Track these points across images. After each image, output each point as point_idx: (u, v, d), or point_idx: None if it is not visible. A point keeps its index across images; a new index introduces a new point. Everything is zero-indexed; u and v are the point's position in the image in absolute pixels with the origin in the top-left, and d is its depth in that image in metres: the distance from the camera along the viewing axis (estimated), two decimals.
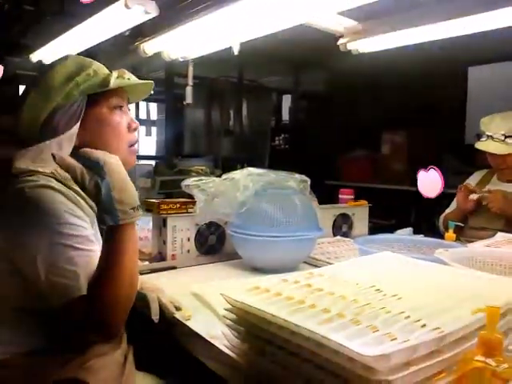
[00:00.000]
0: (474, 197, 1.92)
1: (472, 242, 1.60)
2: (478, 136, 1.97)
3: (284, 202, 1.39)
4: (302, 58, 4.34)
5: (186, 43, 1.95)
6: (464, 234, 1.95)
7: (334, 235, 1.84)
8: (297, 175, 1.46)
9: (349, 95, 4.61)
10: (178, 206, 1.56)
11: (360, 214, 1.94)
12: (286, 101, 5.55)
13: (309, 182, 1.46)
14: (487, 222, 1.89)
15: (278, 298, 0.79)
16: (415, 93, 4.06)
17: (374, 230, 2.01)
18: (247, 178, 1.41)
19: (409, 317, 0.70)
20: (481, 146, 1.93)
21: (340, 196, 1.99)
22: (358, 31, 1.85)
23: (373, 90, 4.37)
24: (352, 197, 1.98)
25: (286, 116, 5.54)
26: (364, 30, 1.86)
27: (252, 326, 0.79)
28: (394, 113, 4.14)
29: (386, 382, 0.59)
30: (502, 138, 1.87)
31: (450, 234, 1.55)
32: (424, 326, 0.67)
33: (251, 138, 4.82)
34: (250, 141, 4.80)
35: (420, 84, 4.02)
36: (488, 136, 1.91)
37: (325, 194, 2.10)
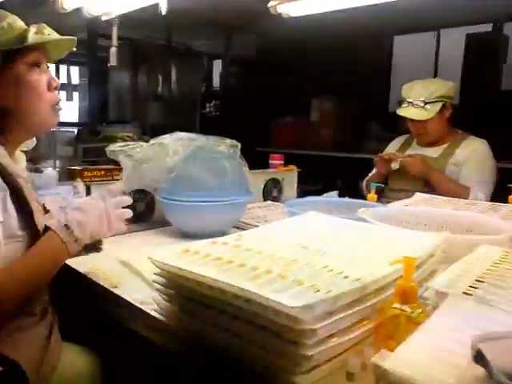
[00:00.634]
0: (395, 166, 2.02)
1: (392, 202, 1.69)
2: (400, 102, 2.06)
3: (214, 167, 1.38)
4: (233, 22, 4.25)
5: None
6: (385, 196, 2.06)
7: (265, 200, 1.87)
8: (227, 140, 1.45)
9: (279, 61, 4.61)
10: (103, 172, 1.49)
11: (289, 179, 1.98)
12: (217, 66, 5.44)
13: (239, 147, 1.46)
14: (407, 184, 2.01)
15: (207, 259, 0.80)
16: (343, 60, 4.15)
17: (302, 194, 2.06)
18: (177, 142, 1.38)
19: (332, 270, 0.73)
20: (402, 112, 2.03)
21: (270, 161, 2.02)
22: None
23: (303, 57, 4.41)
24: (282, 162, 2.02)
25: (216, 82, 5.45)
26: None
27: (182, 288, 0.79)
28: (323, 79, 4.22)
29: (311, 331, 0.62)
30: (422, 104, 1.97)
31: (372, 194, 1.63)
32: (346, 277, 0.71)
33: (181, 104, 4.69)
34: (180, 107, 4.67)
35: (348, 51, 4.11)
36: (409, 102, 2.00)
37: (256, 161, 2.12)
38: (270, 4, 1.84)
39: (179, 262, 0.77)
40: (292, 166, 2.00)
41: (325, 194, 1.97)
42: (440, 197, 1.58)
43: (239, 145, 1.45)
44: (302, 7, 1.89)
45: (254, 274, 0.72)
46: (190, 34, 4.69)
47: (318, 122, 4.34)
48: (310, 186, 3.33)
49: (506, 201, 1.53)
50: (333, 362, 0.69)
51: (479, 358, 0.49)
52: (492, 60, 3.83)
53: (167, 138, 1.41)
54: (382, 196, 2.04)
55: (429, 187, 1.94)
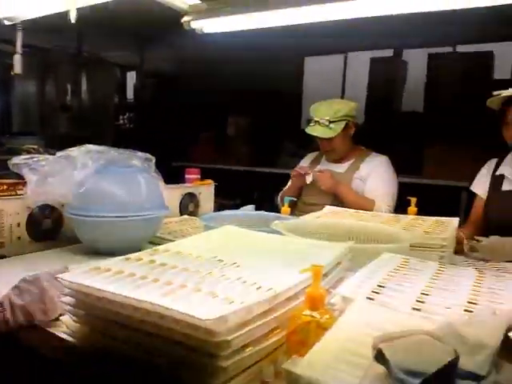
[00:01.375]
0: (309, 180, 2.12)
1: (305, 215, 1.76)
2: (308, 121, 2.18)
3: (127, 181, 1.34)
4: (149, 34, 4.19)
5: (10, 1, 1.72)
6: (299, 209, 2.15)
7: (181, 214, 1.85)
8: (140, 153, 1.42)
9: (197, 76, 4.63)
10: (5, 187, 1.38)
11: (206, 194, 1.99)
12: (132, 78, 5.33)
13: (153, 161, 1.43)
14: (318, 198, 2.11)
15: (119, 276, 0.78)
16: (258, 78, 4.27)
17: (220, 208, 2.07)
18: (86, 155, 1.33)
19: (246, 281, 0.75)
20: (310, 130, 2.14)
21: (186, 176, 2.01)
22: (202, 10, 1.87)
23: (220, 73, 4.47)
24: (198, 176, 2.02)
25: (131, 94, 5.32)
26: (208, 10, 1.88)
27: (91, 308, 0.76)
28: (240, 96, 4.30)
29: (225, 343, 0.62)
30: (327, 123, 2.09)
31: (286, 208, 1.69)
32: (259, 288, 0.73)
33: (92, 115, 4.50)
34: (91, 118, 4.47)
35: (263, 70, 4.24)
36: (315, 121, 2.12)
37: (172, 175, 2.10)
38: (184, 19, 1.86)
39: (89, 281, 0.74)
40: (209, 181, 2.01)
41: (242, 208, 2.00)
42: (348, 209, 1.68)
43: (153, 158, 1.43)
44: (216, 24, 1.92)
45: (168, 288, 0.71)
46: (102, 44, 4.54)
47: (234, 138, 4.41)
48: (228, 200, 3.36)
49: (406, 212, 1.67)
50: (248, 372, 0.70)
51: (380, 357, 0.53)
52: (393, 83, 4.17)
53: (75, 151, 1.35)
54: (296, 209, 2.12)
55: (337, 201, 2.05)
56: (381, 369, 0.53)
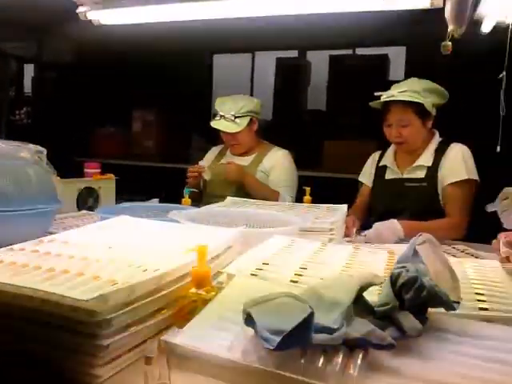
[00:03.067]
0: (207, 176, 2.16)
1: None
2: (214, 116, 2.22)
3: (15, 174, 1.27)
4: (46, 25, 3.97)
5: None
6: (204, 202, 2.17)
7: (80, 209, 1.79)
8: (31, 145, 1.36)
9: (100, 69, 4.46)
10: None
11: (107, 188, 1.94)
12: (29, 71, 4.98)
13: (45, 153, 1.38)
14: (221, 189, 2.15)
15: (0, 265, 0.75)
16: (165, 73, 4.23)
17: None
18: None
19: (132, 265, 0.76)
20: (215, 124, 2.19)
21: (86, 170, 1.95)
22: (98, 1, 1.82)
23: (124, 66, 4.35)
24: (98, 170, 1.97)
25: (28, 88, 4.98)
26: (105, 1, 1.83)
27: None
28: (146, 91, 4.23)
29: (106, 322, 0.64)
30: (232, 118, 2.15)
31: (186, 199, 1.72)
32: (145, 270, 0.75)
33: None
34: None
35: (170, 65, 4.21)
36: (221, 116, 2.17)
37: (75, 171, 2.02)
38: (79, 10, 1.80)
39: None
40: (109, 175, 1.97)
41: (146, 202, 1.98)
42: (248, 199, 1.75)
43: (45, 151, 1.37)
44: (112, 16, 1.88)
45: (49, 274, 0.71)
46: None
47: (140, 133, 4.32)
48: (135, 196, 3.29)
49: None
50: (134, 352, 0.72)
51: (248, 320, 0.58)
52: (298, 82, 4.36)
53: None
54: (201, 202, 2.15)
55: (242, 192, 2.11)
56: (251, 331, 0.58)
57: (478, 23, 1.67)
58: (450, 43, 1.45)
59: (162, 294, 0.74)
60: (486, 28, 1.60)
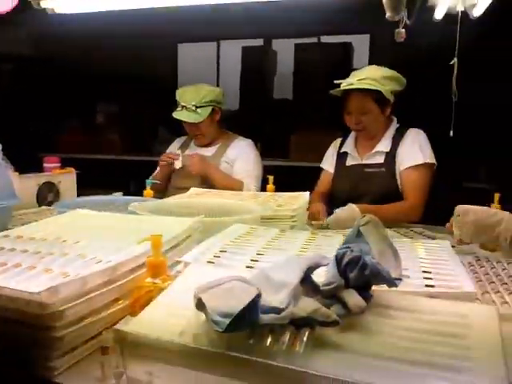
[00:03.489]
0: (178, 165, 2.15)
1: None
2: (175, 106, 2.20)
3: None
4: None
5: None
6: (168, 194, 2.16)
7: (40, 205, 1.76)
8: None
9: (60, 60, 4.32)
10: None
11: (67, 183, 1.91)
12: None
13: (0, 148, 1.35)
14: (186, 181, 2.14)
15: None
16: (128, 64, 4.15)
17: None
18: None
19: (86, 257, 0.76)
20: (177, 115, 2.17)
21: (45, 165, 1.91)
22: None
23: (85, 57, 4.24)
24: (58, 165, 1.93)
25: None
26: None
27: None
28: (110, 82, 4.14)
29: (58, 313, 0.64)
30: (194, 108, 2.13)
31: (148, 191, 1.72)
32: (99, 261, 0.75)
33: None
34: None
35: (133, 56, 4.13)
36: (183, 106, 2.15)
37: (38, 166, 1.97)
38: None
39: None
40: (69, 169, 1.93)
41: (109, 195, 1.95)
42: (211, 190, 1.75)
43: (0, 146, 1.34)
44: (68, 4, 1.84)
45: (1, 269, 0.70)
46: None
47: (104, 126, 4.23)
48: (100, 190, 3.24)
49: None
50: (91, 343, 0.72)
51: (199, 304, 0.59)
52: (264, 71, 4.36)
53: None
54: (165, 195, 2.14)
55: (207, 184, 2.11)
56: (202, 316, 0.59)
57: (431, 10, 1.71)
58: (403, 30, 1.49)
59: (116, 284, 0.74)
60: (439, 15, 1.64)
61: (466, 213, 1.06)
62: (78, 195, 1.95)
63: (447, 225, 1.21)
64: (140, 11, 2.12)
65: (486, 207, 1.10)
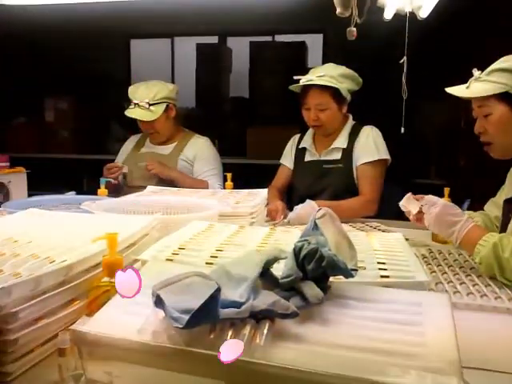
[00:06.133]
0: (125, 170, 2.12)
1: None
2: (128, 104, 2.14)
3: None
4: None
5: None
6: (125, 193, 2.11)
7: None
8: None
9: (5, 54, 4.13)
10: None
11: (18, 182, 1.83)
12: None
13: None
14: (144, 181, 2.10)
15: None
16: (78, 59, 4.02)
17: None
18: None
19: (39, 257, 0.74)
20: (129, 113, 2.10)
21: None
22: None
23: (33, 51, 4.08)
24: (7, 164, 1.85)
25: None
26: None
27: None
28: (57, 78, 4.00)
29: (11, 315, 0.61)
30: (147, 105, 2.08)
31: (102, 190, 1.68)
32: (53, 261, 0.73)
33: None
34: None
35: (83, 50, 4.01)
36: (135, 104, 2.09)
37: None
38: None
39: None
40: (19, 168, 1.85)
41: (61, 195, 1.89)
42: (168, 187, 1.73)
43: None
44: None
45: None
46: None
47: (54, 123, 4.07)
48: (52, 190, 3.13)
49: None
50: (47, 346, 0.70)
51: (158, 301, 0.58)
52: (219, 69, 4.34)
53: None
54: (122, 194, 2.08)
55: (164, 183, 2.06)
56: (161, 312, 0.58)
57: (381, 10, 1.76)
58: (354, 29, 1.52)
59: (71, 284, 0.72)
60: (388, 15, 1.69)
61: (434, 204, 1.11)
62: (29, 195, 1.87)
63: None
64: (90, 4, 2.06)
65: (453, 204, 1.15)
